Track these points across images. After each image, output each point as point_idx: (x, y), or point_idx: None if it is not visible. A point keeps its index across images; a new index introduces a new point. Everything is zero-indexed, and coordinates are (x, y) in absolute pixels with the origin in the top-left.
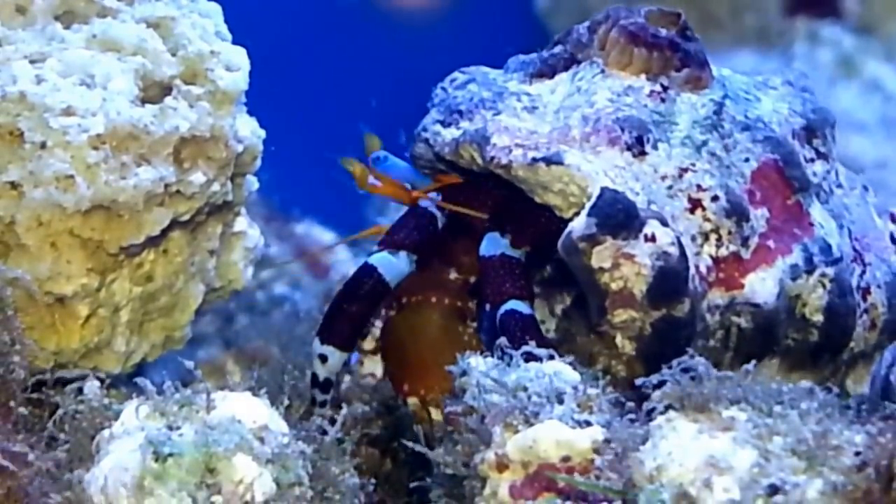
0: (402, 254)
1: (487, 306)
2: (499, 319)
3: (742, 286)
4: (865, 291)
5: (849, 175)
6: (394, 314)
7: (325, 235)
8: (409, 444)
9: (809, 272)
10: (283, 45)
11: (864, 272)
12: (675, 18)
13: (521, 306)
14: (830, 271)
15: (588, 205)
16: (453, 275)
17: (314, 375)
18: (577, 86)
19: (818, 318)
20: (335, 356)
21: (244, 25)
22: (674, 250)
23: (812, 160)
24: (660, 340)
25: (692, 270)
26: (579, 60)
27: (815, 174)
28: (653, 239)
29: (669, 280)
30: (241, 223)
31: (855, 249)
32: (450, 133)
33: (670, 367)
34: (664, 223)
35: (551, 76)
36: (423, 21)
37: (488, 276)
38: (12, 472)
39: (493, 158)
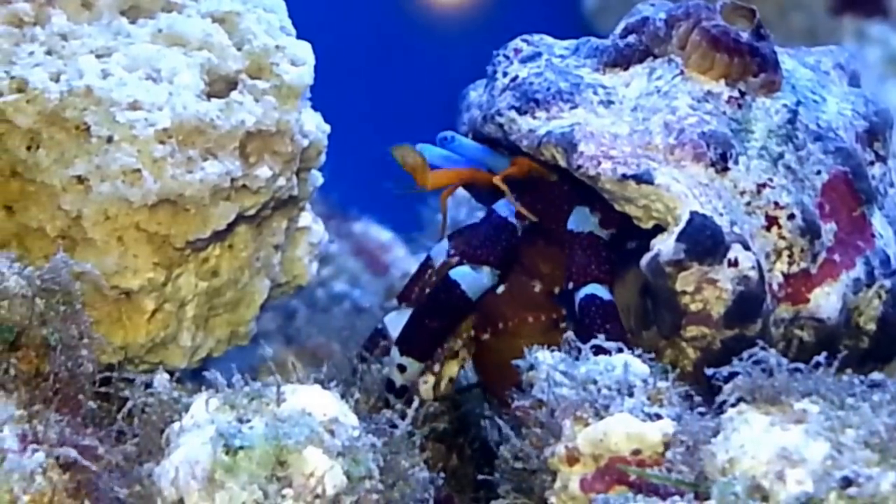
0: (485, 269)
1: (570, 284)
2: (578, 304)
3: (807, 300)
4: None
5: None
6: (489, 337)
7: (382, 234)
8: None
9: (870, 285)
10: (336, 44)
11: None
12: (750, 14)
13: (601, 291)
14: (888, 283)
15: (677, 230)
16: (538, 287)
17: (390, 381)
18: (656, 85)
19: (871, 326)
20: (414, 367)
21: (300, 23)
22: (754, 274)
23: (871, 163)
24: (726, 355)
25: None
26: (655, 55)
27: (873, 177)
28: (735, 264)
29: (747, 303)
30: (306, 218)
31: None
32: (526, 122)
33: (741, 360)
34: (746, 247)
35: (626, 67)
36: (472, 20)
37: (574, 252)
38: (82, 466)
39: (580, 167)
